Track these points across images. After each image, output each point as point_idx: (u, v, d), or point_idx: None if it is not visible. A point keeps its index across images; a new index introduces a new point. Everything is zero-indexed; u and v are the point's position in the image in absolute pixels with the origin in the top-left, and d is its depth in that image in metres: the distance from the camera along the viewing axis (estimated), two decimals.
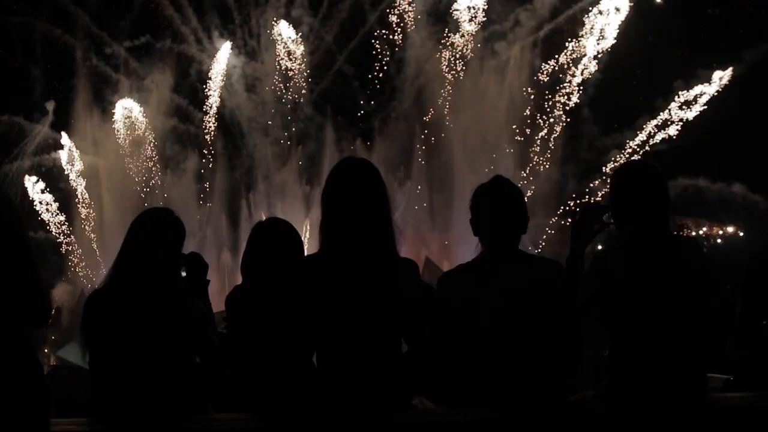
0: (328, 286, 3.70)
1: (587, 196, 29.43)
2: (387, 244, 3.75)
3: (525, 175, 28.84)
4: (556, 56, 31.46)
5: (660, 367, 3.91)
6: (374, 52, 33.35)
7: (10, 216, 3.28)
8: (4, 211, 3.27)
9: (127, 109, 32.84)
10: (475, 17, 32.00)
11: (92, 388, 4.07)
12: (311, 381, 3.95)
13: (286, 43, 33.40)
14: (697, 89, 30.14)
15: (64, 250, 31.02)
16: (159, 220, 4.29)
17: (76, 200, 32.31)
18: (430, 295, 4.61)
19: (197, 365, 5.13)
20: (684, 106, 30.34)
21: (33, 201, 31.56)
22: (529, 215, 4.16)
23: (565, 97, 31.42)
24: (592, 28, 31.05)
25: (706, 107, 29.80)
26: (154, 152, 32.76)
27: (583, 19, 31.27)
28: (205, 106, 33.31)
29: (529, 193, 27.36)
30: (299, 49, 33.49)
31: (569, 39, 31.49)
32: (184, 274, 4.54)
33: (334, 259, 3.72)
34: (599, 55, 30.94)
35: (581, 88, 31.47)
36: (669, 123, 30.47)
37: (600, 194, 28.49)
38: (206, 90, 33.41)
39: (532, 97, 31.37)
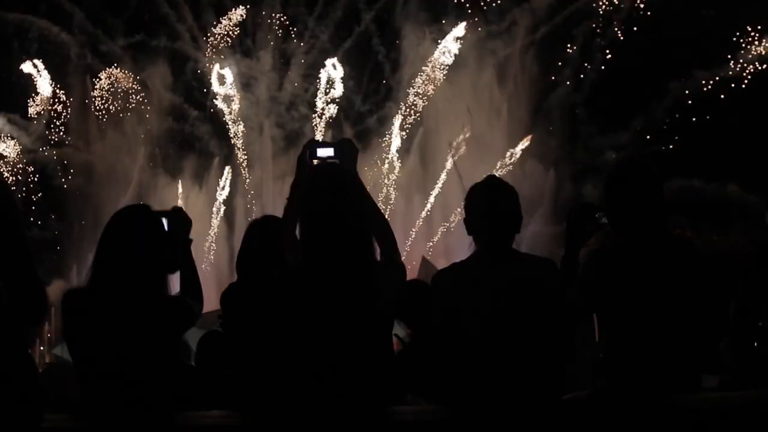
0: (309, 296, 3.71)
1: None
2: (364, 250, 3.75)
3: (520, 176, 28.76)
4: (560, 61, 31.49)
5: (654, 366, 3.93)
6: (370, 43, 33.31)
7: (6, 207, 3.26)
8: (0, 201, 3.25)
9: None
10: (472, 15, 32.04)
11: (80, 387, 4.02)
12: (306, 379, 3.95)
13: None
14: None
15: (58, 248, 31.04)
16: (132, 219, 4.13)
17: (71, 198, 32.31)
18: (424, 294, 4.62)
19: (187, 365, 5.13)
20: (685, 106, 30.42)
21: (28, 198, 31.53)
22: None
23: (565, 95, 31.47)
24: (597, 25, 31.08)
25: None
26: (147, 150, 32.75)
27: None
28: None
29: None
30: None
31: (567, 44, 31.54)
32: (166, 225, 4.36)
33: (314, 269, 3.72)
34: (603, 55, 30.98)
35: (579, 87, 31.51)
36: (670, 124, 30.53)
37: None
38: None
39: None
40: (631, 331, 3.96)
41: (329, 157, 4.13)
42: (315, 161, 4.13)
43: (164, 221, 4.40)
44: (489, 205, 4.07)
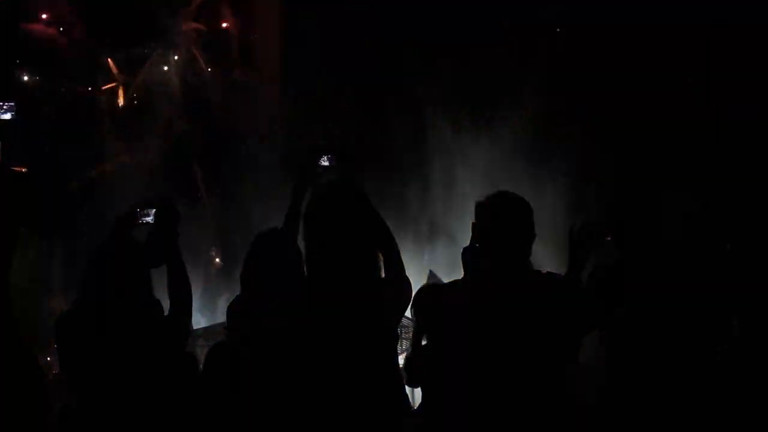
0: (313, 311, 3.74)
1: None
2: (367, 267, 3.77)
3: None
4: None
5: (654, 376, 3.97)
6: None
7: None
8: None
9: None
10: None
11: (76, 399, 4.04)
12: (309, 396, 3.97)
13: None
14: None
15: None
16: (108, 258, 4.12)
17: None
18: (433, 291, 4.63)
19: (188, 378, 5.14)
20: None
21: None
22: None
23: None
24: None
25: None
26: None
27: None
28: None
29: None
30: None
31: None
32: (150, 220, 4.36)
33: (317, 286, 3.75)
34: None
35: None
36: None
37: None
38: None
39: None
40: (633, 342, 4.00)
41: (330, 164, 4.14)
42: (317, 168, 4.15)
43: (151, 213, 4.37)
44: (499, 219, 4.07)
